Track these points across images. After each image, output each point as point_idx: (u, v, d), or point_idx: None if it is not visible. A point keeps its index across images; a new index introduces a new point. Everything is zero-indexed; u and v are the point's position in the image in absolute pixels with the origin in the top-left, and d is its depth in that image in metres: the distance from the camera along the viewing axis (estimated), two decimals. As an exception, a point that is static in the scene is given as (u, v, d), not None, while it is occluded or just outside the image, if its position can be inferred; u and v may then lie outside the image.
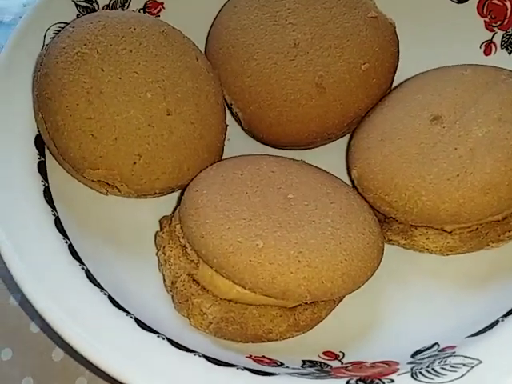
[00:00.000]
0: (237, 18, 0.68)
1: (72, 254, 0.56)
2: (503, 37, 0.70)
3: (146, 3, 0.72)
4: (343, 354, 0.56)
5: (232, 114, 0.69)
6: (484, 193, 0.56)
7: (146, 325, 0.53)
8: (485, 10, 0.70)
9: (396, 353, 0.54)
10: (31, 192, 0.59)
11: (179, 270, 0.58)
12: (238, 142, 0.70)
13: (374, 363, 0.53)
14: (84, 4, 0.68)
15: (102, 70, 0.60)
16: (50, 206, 0.59)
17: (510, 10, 0.69)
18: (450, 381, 0.48)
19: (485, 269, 0.60)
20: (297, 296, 0.53)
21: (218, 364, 0.51)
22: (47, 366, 0.62)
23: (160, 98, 0.61)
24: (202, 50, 0.69)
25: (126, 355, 0.50)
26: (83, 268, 0.56)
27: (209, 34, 0.71)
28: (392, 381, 0.49)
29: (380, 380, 0.49)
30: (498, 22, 0.70)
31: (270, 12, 0.67)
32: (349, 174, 0.65)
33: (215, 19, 0.71)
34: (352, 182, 0.64)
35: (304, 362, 0.55)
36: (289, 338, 0.57)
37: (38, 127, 0.62)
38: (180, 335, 0.54)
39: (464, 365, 0.49)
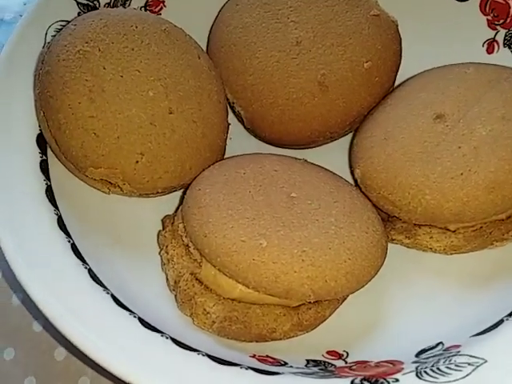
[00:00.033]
0: (239, 16, 0.68)
1: (75, 253, 0.56)
2: (506, 35, 0.70)
3: (147, 1, 0.71)
4: (347, 353, 0.56)
5: (234, 112, 0.69)
6: (488, 191, 0.56)
7: (149, 324, 0.53)
8: (487, 9, 0.70)
9: (400, 352, 0.54)
10: (33, 191, 0.59)
11: (182, 269, 0.58)
12: (240, 141, 0.69)
13: (378, 363, 0.53)
14: (85, 2, 0.68)
15: (104, 68, 0.59)
16: (53, 205, 0.59)
17: (512, 8, 0.70)
18: (455, 380, 0.48)
19: (489, 268, 0.60)
20: (300, 295, 0.53)
21: (222, 363, 0.51)
22: (50, 365, 0.62)
23: (162, 97, 0.61)
24: (204, 49, 0.68)
25: (129, 354, 0.50)
26: (86, 267, 0.56)
27: (210, 32, 0.71)
28: (397, 380, 0.49)
29: (385, 379, 0.49)
30: (501, 21, 0.70)
31: (272, 10, 0.67)
32: (351, 172, 0.65)
33: (217, 17, 0.70)
34: (355, 180, 0.64)
35: (308, 361, 0.55)
36: (292, 337, 0.57)
37: (39, 126, 0.62)
38: (183, 334, 0.54)
39: (469, 364, 0.49)
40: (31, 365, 0.62)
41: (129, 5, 0.70)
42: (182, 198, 0.63)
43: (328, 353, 0.56)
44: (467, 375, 0.48)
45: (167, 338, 0.52)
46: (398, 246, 0.62)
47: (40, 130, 0.62)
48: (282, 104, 0.64)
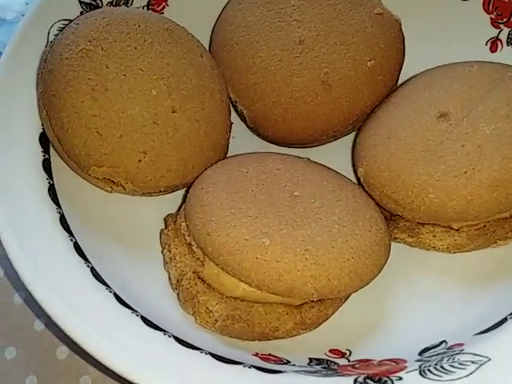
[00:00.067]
0: (241, 14, 0.68)
1: (77, 252, 0.56)
2: (509, 34, 0.70)
3: (149, 0, 0.71)
4: (350, 351, 0.56)
5: (236, 111, 0.69)
6: (492, 190, 0.55)
7: (151, 322, 0.53)
8: (491, 7, 0.70)
9: (403, 351, 0.54)
10: (36, 190, 0.58)
11: (185, 268, 0.58)
12: (242, 140, 0.69)
13: (381, 361, 0.53)
14: (88, 1, 0.68)
15: (107, 67, 0.59)
16: (55, 204, 0.59)
17: (516, 6, 0.70)
18: (458, 378, 0.48)
19: (492, 266, 0.60)
20: (303, 294, 0.53)
21: (225, 362, 0.50)
22: (51, 364, 0.62)
23: (165, 96, 0.61)
24: (206, 47, 0.68)
25: (132, 353, 0.50)
26: (88, 266, 0.55)
27: (213, 31, 0.71)
28: (400, 378, 0.49)
29: (388, 378, 0.49)
30: (504, 19, 0.70)
31: (275, 9, 0.66)
32: (354, 171, 0.65)
33: (219, 16, 0.70)
34: (358, 179, 0.64)
35: (311, 359, 0.55)
36: (295, 335, 0.56)
37: (42, 125, 0.62)
38: (186, 333, 0.53)
39: (473, 362, 0.49)
40: (32, 364, 0.62)
41: (131, 4, 0.70)
42: (184, 197, 0.63)
43: (331, 351, 0.56)
44: (471, 373, 0.48)
45: (170, 336, 0.52)
46: (401, 244, 0.62)
47: (43, 128, 0.62)
48: (284, 103, 0.64)
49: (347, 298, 0.58)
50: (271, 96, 0.64)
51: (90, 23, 0.61)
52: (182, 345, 0.51)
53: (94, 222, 0.62)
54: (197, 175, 0.61)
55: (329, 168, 0.63)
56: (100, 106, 0.58)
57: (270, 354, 0.55)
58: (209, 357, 0.51)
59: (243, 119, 0.69)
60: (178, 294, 0.58)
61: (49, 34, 0.65)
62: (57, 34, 0.64)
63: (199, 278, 0.57)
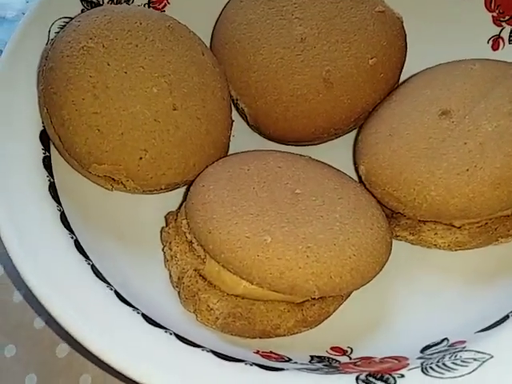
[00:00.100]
0: (243, 12, 0.68)
1: (78, 250, 0.56)
2: (511, 32, 0.70)
3: (150, -2, 0.71)
4: (351, 349, 0.56)
5: (237, 109, 0.69)
6: (494, 187, 0.55)
7: (152, 320, 0.53)
8: (493, 5, 0.70)
9: (405, 348, 0.54)
10: (36, 187, 0.58)
11: (186, 266, 0.57)
12: (243, 138, 0.69)
13: (382, 359, 0.53)
14: (89, -1, 0.68)
15: (108, 65, 0.59)
16: (56, 202, 0.58)
17: (518, 4, 0.70)
18: (461, 375, 0.48)
19: (493, 264, 0.60)
20: (305, 291, 0.53)
21: (226, 359, 0.50)
22: (51, 362, 0.62)
23: (166, 93, 0.60)
24: (208, 45, 0.68)
25: (133, 350, 0.49)
26: (89, 263, 0.55)
27: (214, 28, 0.71)
28: (402, 376, 0.48)
29: (390, 375, 0.49)
30: (506, 17, 0.70)
31: (277, 7, 0.66)
32: (356, 169, 0.65)
33: (221, 14, 0.70)
34: (359, 177, 0.63)
35: (312, 357, 0.54)
36: (296, 333, 0.56)
37: (43, 122, 0.62)
38: (187, 331, 0.53)
39: (475, 359, 0.49)
40: (32, 362, 0.62)
41: (132, 1, 0.70)
42: (185, 195, 0.63)
43: (332, 349, 0.56)
44: (473, 371, 0.48)
45: (171, 334, 0.52)
46: (403, 242, 0.62)
47: (43, 126, 0.62)
48: (286, 101, 0.64)
49: (348, 295, 0.58)
50: (272, 94, 0.64)
51: (91, 21, 0.61)
52: (184, 342, 0.51)
53: (95, 219, 0.61)
54: (198, 173, 0.61)
55: (330, 166, 0.63)
56: (101, 104, 0.58)
57: (271, 352, 0.54)
58: (210, 354, 0.50)
59: (244, 117, 0.68)
60: (178, 292, 0.58)
61: (49, 31, 0.65)
62: (58, 32, 0.64)
63: (200, 275, 0.57)
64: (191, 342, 0.51)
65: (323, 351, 0.55)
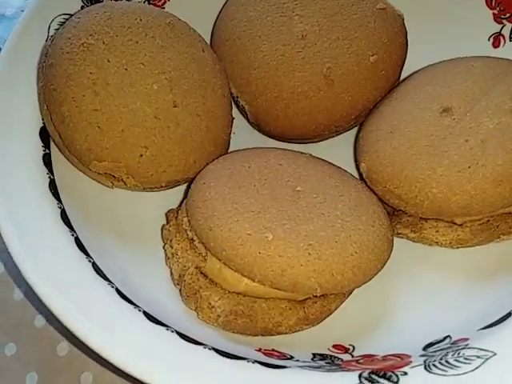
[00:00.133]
0: (243, 9, 0.67)
1: (78, 247, 0.56)
2: (512, 29, 0.70)
3: (150, -5, 0.71)
4: (353, 347, 0.56)
5: (238, 107, 0.69)
6: (496, 184, 0.55)
7: (154, 317, 0.52)
8: (493, 2, 0.70)
9: (407, 346, 0.54)
10: (37, 185, 0.58)
11: (187, 263, 0.57)
12: (243, 135, 0.69)
13: (385, 356, 0.53)
14: (88, -5, 0.67)
15: (108, 61, 0.59)
16: (56, 199, 0.58)
17: (519, 2, 0.69)
18: (464, 373, 0.48)
19: (495, 261, 0.60)
20: (307, 289, 0.53)
21: (228, 357, 0.50)
22: (52, 360, 0.62)
23: (166, 90, 0.60)
24: (208, 42, 0.68)
25: (134, 347, 0.49)
26: (90, 261, 0.55)
27: (214, 25, 0.70)
28: (405, 373, 0.48)
29: (393, 373, 0.49)
30: (507, 15, 0.70)
31: (277, 3, 0.66)
32: (357, 166, 0.65)
33: (221, 11, 0.70)
34: (360, 175, 0.63)
35: (314, 355, 0.54)
36: (298, 331, 0.56)
37: (43, 119, 0.61)
38: (188, 328, 0.53)
39: (478, 357, 0.49)
40: (33, 360, 0.62)
41: (133, -2, 0.70)
42: (186, 192, 0.63)
43: (334, 347, 0.56)
44: (476, 368, 0.48)
45: (172, 331, 0.51)
46: (404, 240, 0.62)
47: (43, 123, 0.61)
48: (286, 98, 0.64)
49: (350, 293, 0.58)
50: (273, 91, 0.64)
51: (91, 17, 0.61)
52: (185, 340, 0.51)
53: (96, 217, 0.61)
54: (198, 170, 0.61)
55: (331, 163, 0.63)
56: (101, 101, 0.58)
57: (273, 350, 0.54)
58: (212, 352, 0.50)
59: (244, 114, 0.68)
60: (180, 290, 0.58)
61: (49, 28, 0.65)
62: (57, 29, 0.64)
63: (201, 273, 0.57)
64: (193, 339, 0.51)
65: (325, 349, 0.55)
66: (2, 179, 0.57)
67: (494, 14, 0.70)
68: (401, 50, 0.65)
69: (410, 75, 0.66)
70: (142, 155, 0.58)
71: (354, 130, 0.68)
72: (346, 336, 0.57)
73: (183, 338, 0.51)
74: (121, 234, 0.61)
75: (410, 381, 0.48)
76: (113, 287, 0.54)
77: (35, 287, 0.51)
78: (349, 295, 0.58)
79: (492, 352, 0.49)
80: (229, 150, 0.65)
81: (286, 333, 0.56)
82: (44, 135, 0.61)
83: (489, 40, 0.71)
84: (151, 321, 0.52)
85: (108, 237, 0.60)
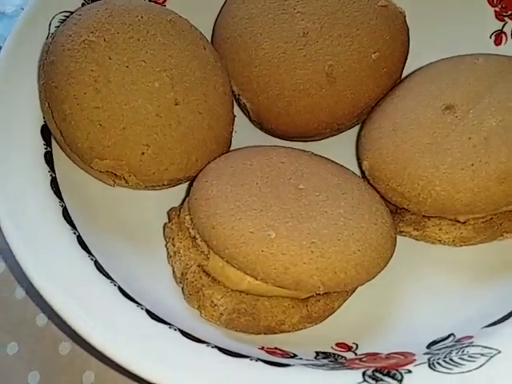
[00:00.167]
0: (244, 7, 0.67)
1: (80, 245, 0.56)
2: (514, 27, 0.70)
3: (152, -8, 0.71)
4: (356, 345, 0.55)
5: (239, 105, 0.69)
6: (499, 182, 0.55)
7: (157, 316, 0.52)
8: (495, 0, 0.70)
9: (410, 344, 0.54)
10: (38, 183, 0.58)
11: (189, 262, 0.57)
12: (245, 133, 0.69)
13: (388, 354, 0.53)
14: (90, -8, 0.67)
15: (110, 59, 0.59)
16: (58, 197, 0.58)
17: (521, -1, 0.69)
18: (468, 371, 0.48)
19: (499, 259, 0.59)
20: (310, 287, 0.53)
21: (232, 355, 0.50)
22: (54, 359, 0.62)
23: (168, 88, 0.60)
24: (209, 40, 0.68)
25: (137, 345, 0.49)
26: (92, 259, 0.55)
27: (215, 23, 0.70)
28: (409, 371, 0.48)
29: (397, 371, 0.48)
30: (509, 12, 0.70)
31: (279, 1, 0.66)
32: (359, 164, 0.64)
33: (222, 8, 0.70)
34: (362, 172, 0.63)
35: (317, 353, 0.54)
36: (301, 329, 0.56)
37: (44, 117, 0.61)
38: (191, 326, 0.53)
39: (482, 355, 0.49)
40: (35, 359, 0.62)
41: (133, -5, 0.69)
42: (188, 190, 0.62)
43: (337, 345, 0.56)
44: (481, 366, 0.48)
45: (175, 329, 0.51)
46: (407, 238, 0.61)
47: (44, 121, 0.61)
48: (288, 95, 0.64)
49: (353, 291, 0.58)
50: (275, 89, 0.64)
51: (93, 14, 0.61)
52: (188, 338, 0.51)
53: (97, 215, 0.61)
54: (200, 168, 0.61)
55: (333, 161, 0.62)
56: (103, 98, 0.58)
57: (276, 348, 0.54)
58: (215, 350, 0.50)
59: (246, 112, 0.68)
60: (182, 288, 0.57)
61: (50, 25, 0.65)
62: (58, 26, 0.64)
63: (204, 271, 0.56)
64: (196, 337, 0.51)
65: (328, 347, 0.55)
66: (3, 177, 0.57)
67: (495, 11, 0.70)
68: (403, 47, 0.65)
69: (412, 73, 0.66)
70: (143, 153, 0.58)
71: (356, 128, 0.68)
72: (349, 334, 0.56)
73: (186, 336, 0.51)
74: (123, 233, 0.61)
75: (415, 379, 0.48)
76: (115, 285, 0.54)
77: (37, 285, 0.51)
78: (352, 293, 0.58)
79: (496, 350, 0.49)
80: (230, 148, 0.65)
81: (289, 331, 0.56)
82: (45, 133, 0.61)
83: (491, 37, 0.70)
84: (154, 319, 0.52)
85: (110, 235, 0.60)
